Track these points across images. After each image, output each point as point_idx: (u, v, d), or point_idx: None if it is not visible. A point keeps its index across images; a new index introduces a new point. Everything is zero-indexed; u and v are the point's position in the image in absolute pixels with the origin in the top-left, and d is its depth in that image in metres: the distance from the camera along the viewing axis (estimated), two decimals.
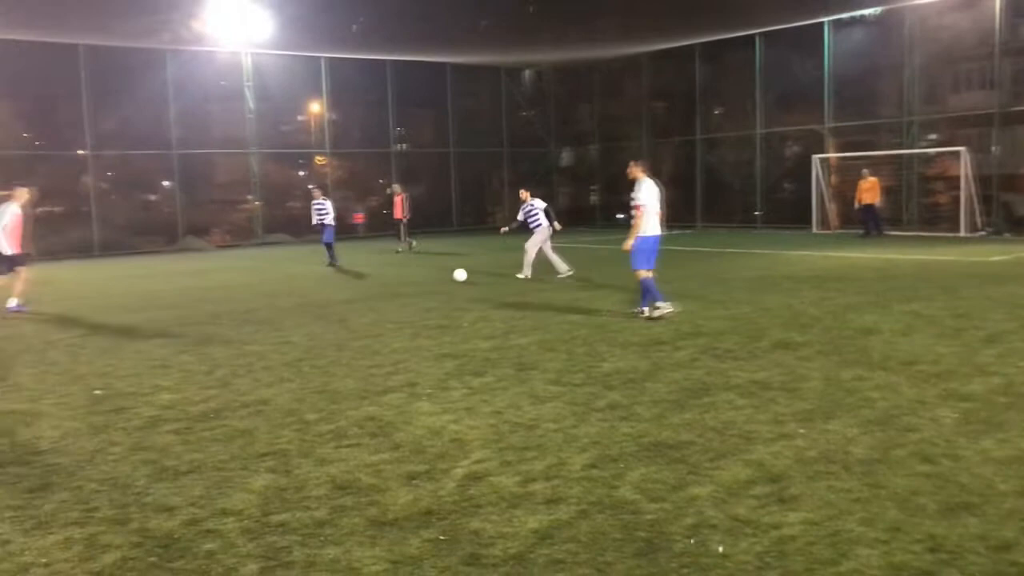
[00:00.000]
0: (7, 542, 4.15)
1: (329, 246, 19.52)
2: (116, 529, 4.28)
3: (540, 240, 15.57)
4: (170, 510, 4.52)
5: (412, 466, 5.10)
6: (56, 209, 28.79)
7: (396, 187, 24.68)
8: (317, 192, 20.47)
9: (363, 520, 4.29)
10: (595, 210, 34.79)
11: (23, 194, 13.34)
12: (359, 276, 16.05)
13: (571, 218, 34.57)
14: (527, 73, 37.03)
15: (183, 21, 26.96)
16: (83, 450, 5.62)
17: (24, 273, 13.17)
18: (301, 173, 33.20)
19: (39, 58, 25.73)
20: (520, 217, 15.76)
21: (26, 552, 4.03)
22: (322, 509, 4.46)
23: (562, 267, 15.38)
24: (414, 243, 23.58)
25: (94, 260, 24.55)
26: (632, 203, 10.26)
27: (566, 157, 37.15)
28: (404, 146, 34.17)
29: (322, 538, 4.09)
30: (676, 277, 14.12)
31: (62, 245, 25.43)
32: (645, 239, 10.22)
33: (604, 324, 10.10)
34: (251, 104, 29.37)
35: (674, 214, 25.08)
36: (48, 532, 4.26)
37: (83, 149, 27.03)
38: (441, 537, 4.06)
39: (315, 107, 32.04)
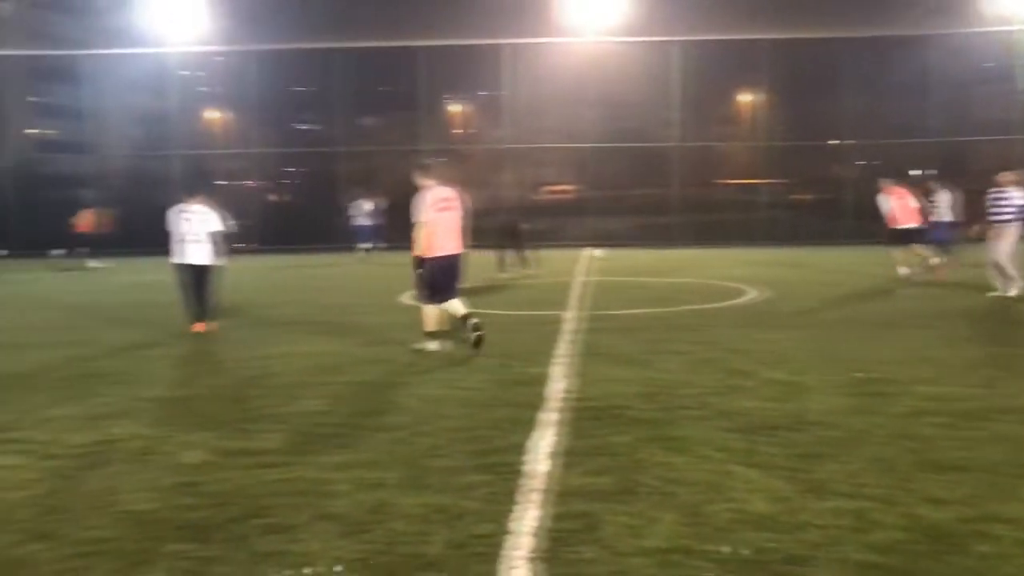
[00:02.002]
0: (787, 498, 4.60)
1: (935, 243, 16.68)
2: (883, 509, 4.40)
3: (1013, 241, 12.58)
4: (936, 502, 4.48)
5: None
6: (806, 197, 30.75)
7: (936, 183, 20.04)
8: (933, 185, 17.84)
9: None
10: None
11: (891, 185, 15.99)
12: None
13: None
14: None
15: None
16: (849, 427, 5.91)
17: (918, 249, 15.61)
18: None
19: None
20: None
21: (802, 512, 4.39)
22: None
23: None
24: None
25: (839, 248, 25.27)
26: None
27: None
28: None
29: None
30: None
31: (808, 231, 26.92)
32: None
33: None
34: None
35: None
36: (819, 498, 4.58)
37: (835, 139, 28.17)
38: None
39: None
